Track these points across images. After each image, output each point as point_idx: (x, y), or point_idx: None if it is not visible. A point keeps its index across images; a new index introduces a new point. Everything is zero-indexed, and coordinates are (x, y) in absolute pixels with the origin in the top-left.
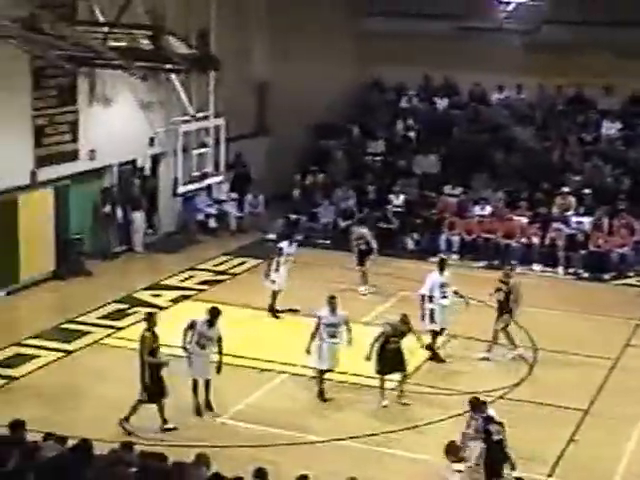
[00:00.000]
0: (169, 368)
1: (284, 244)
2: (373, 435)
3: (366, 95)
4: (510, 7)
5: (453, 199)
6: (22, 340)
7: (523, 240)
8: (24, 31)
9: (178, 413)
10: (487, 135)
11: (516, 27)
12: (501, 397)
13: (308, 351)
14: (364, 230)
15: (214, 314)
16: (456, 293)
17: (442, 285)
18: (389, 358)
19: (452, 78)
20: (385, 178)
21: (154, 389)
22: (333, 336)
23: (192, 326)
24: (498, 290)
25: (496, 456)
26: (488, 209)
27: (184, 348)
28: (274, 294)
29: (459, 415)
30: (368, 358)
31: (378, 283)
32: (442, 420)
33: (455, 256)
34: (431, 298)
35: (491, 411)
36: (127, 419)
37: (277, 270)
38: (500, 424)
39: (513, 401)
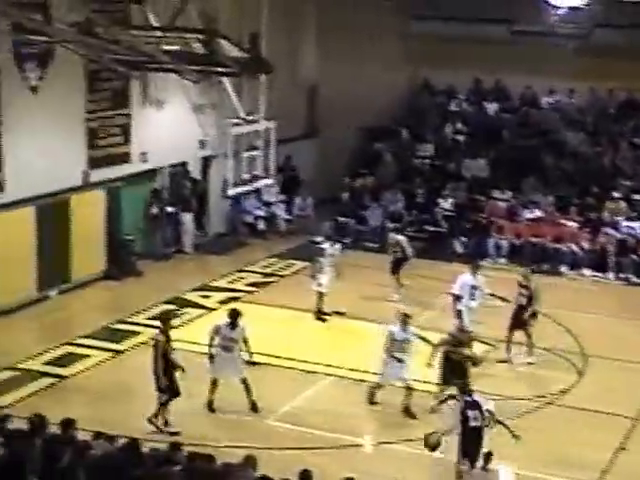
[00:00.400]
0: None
1: (326, 245)
2: (419, 439)
3: (416, 98)
4: (562, 11)
5: (502, 203)
6: (73, 339)
7: (573, 245)
8: (80, 35)
9: (226, 415)
10: (537, 139)
11: (568, 31)
12: (549, 402)
13: (382, 371)
14: (400, 237)
15: (234, 316)
16: (492, 295)
17: (472, 287)
18: (451, 368)
19: (503, 82)
20: (434, 181)
21: (170, 388)
22: (402, 351)
23: (217, 331)
24: (520, 295)
25: (470, 442)
26: (537, 213)
27: (210, 356)
28: (320, 296)
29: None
30: (430, 364)
31: (426, 286)
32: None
33: (504, 260)
34: (460, 298)
35: (478, 397)
36: (166, 423)
37: (322, 272)
38: (480, 410)
39: (561, 407)
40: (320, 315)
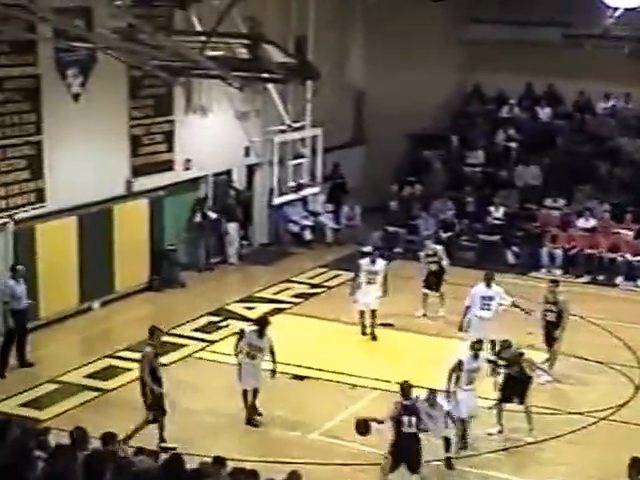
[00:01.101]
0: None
1: (363, 261)
2: (472, 456)
3: (466, 104)
4: (618, 13)
5: (555, 212)
6: (115, 352)
7: (628, 254)
8: (123, 42)
9: (269, 429)
10: (591, 146)
11: (624, 34)
12: (604, 418)
13: (451, 398)
14: (438, 247)
15: (263, 324)
16: (515, 306)
17: (484, 298)
18: (507, 385)
19: (555, 86)
20: (485, 189)
21: (157, 407)
22: (471, 382)
23: (242, 336)
24: (549, 312)
25: (405, 448)
26: (592, 222)
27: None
28: (360, 314)
29: (560, 436)
30: (497, 373)
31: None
32: (544, 440)
33: (558, 271)
34: (468, 309)
35: (420, 404)
36: (162, 440)
37: (359, 288)
38: (418, 417)
39: (617, 422)
40: (364, 330)
